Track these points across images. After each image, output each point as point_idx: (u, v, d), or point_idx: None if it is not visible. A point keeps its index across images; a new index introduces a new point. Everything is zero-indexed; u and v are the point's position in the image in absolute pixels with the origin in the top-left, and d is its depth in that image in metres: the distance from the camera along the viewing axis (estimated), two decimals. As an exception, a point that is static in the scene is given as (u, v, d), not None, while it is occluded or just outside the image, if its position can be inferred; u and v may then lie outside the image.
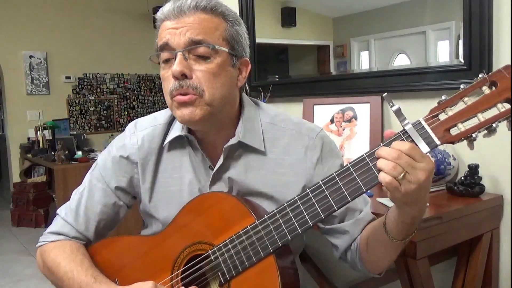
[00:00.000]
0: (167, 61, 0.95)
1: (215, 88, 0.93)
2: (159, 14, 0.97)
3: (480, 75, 0.75)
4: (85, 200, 1.08)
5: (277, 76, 2.42)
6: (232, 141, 1.00)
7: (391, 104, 0.79)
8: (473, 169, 1.44)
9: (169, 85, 0.94)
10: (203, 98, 0.92)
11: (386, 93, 0.83)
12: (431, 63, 1.86)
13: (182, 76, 0.91)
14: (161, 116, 1.09)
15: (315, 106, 1.97)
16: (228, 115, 1.01)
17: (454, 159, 1.53)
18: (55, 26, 5.88)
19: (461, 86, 0.76)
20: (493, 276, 1.49)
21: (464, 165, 1.51)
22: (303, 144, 1.02)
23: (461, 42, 1.54)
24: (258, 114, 1.05)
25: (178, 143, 1.05)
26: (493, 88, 0.74)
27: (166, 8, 0.95)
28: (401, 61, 2.02)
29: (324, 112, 1.94)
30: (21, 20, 5.65)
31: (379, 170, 0.78)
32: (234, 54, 0.97)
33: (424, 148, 0.77)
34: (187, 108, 0.92)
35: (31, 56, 5.75)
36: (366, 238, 0.98)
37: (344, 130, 1.87)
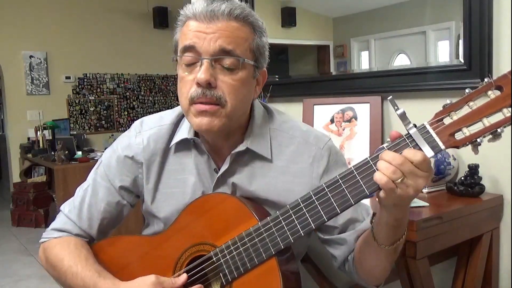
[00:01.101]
0: (189, 64, 0.92)
1: (237, 100, 0.92)
2: (187, 11, 0.92)
3: (485, 79, 0.75)
4: (89, 198, 1.08)
5: (277, 76, 2.41)
6: (240, 147, 0.99)
7: (396, 107, 0.78)
8: (473, 169, 1.45)
9: (189, 89, 0.91)
10: (225, 109, 0.91)
11: (390, 96, 0.81)
12: (431, 63, 1.86)
13: (207, 85, 0.89)
14: (168, 116, 1.08)
15: (315, 106, 1.97)
16: (239, 122, 1.00)
17: (454, 159, 1.53)
18: (55, 26, 5.87)
19: (466, 90, 0.75)
20: (493, 276, 1.49)
21: (464, 165, 1.51)
22: (310, 153, 1.01)
23: (461, 42, 1.54)
24: (267, 121, 1.04)
25: (183, 144, 1.04)
26: (499, 92, 0.74)
27: (198, 8, 0.90)
28: (401, 61, 2.02)
29: (324, 112, 1.94)
30: (21, 20, 5.64)
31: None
32: (257, 66, 0.96)
33: (429, 152, 0.77)
34: (206, 118, 0.90)
35: (31, 56, 5.74)
36: (359, 247, 0.98)
37: (344, 130, 1.87)
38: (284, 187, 1.00)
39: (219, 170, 1.02)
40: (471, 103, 0.75)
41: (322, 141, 1.03)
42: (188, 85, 0.92)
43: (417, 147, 0.77)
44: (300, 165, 1.01)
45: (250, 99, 0.98)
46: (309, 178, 1.01)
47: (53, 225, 1.10)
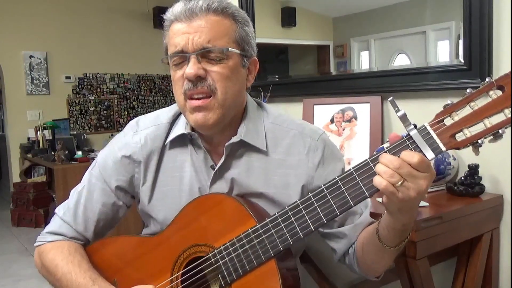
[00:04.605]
0: (178, 63, 0.95)
1: (227, 89, 0.93)
2: (169, 15, 0.96)
3: (487, 79, 0.73)
4: (84, 200, 1.07)
5: (277, 76, 2.41)
6: (234, 139, 0.99)
7: (397, 108, 0.77)
8: (473, 169, 1.44)
9: (181, 86, 0.94)
10: (216, 98, 0.93)
11: (391, 98, 0.80)
12: (431, 63, 1.86)
13: (197, 78, 0.92)
14: (164, 115, 1.09)
15: (315, 106, 1.96)
16: (235, 115, 1.01)
17: (454, 159, 1.53)
18: (55, 26, 5.87)
19: (468, 90, 0.74)
20: (493, 276, 1.49)
21: (464, 165, 1.51)
22: (305, 145, 1.02)
23: (461, 42, 1.54)
24: (261, 115, 1.05)
25: (180, 141, 1.05)
26: (500, 92, 0.72)
27: (177, 9, 0.94)
28: (401, 61, 2.02)
29: (324, 112, 1.94)
30: (21, 20, 5.64)
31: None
32: (244, 55, 0.97)
33: (429, 154, 0.76)
34: (201, 113, 0.93)
35: (31, 56, 5.74)
36: (362, 243, 0.98)
37: (344, 130, 1.86)
38: (281, 180, 1.01)
39: (215, 165, 1.02)
40: (472, 104, 0.74)
41: (317, 133, 1.04)
42: (180, 82, 0.94)
43: (417, 148, 0.76)
44: (296, 157, 1.02)
45: (242, 88, 0.99)
46: (305, 169, 1.01)
47: (48, 228, 1.09)
